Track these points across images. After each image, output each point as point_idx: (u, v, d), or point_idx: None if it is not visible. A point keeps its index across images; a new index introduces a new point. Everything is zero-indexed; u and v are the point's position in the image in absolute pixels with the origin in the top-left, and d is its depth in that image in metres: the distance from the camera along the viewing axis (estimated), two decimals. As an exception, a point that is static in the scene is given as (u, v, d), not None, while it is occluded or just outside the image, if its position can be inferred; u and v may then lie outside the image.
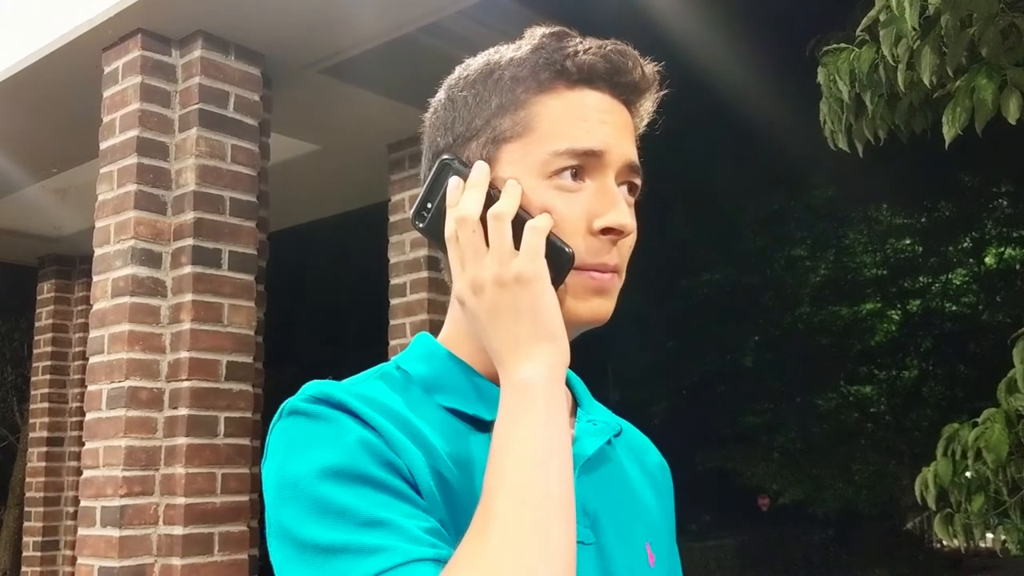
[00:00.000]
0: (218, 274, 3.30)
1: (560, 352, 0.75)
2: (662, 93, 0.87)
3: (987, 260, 14.21)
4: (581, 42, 0.83)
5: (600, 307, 0.82)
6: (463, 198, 0.79)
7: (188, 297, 3.21)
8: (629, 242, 0.83)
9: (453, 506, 0.74)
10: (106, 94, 3.44)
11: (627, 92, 0.83)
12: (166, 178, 3.34)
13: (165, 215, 3.31)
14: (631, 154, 0.83)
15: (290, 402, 0.78)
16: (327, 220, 6.19)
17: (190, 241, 3.24)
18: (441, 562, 0.66)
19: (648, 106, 0.86)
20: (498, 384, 0.78)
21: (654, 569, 0.87)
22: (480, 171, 0.80)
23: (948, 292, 14.75)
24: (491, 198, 0.78)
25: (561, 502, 0.69)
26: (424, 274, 4.28)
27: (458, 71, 0.87)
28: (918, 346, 15.15)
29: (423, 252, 4.30)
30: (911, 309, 14.96)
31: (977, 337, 13.75)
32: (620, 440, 0.93)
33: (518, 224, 0.77)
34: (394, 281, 4.40)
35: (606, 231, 0.80)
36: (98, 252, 3.33)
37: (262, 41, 3.49)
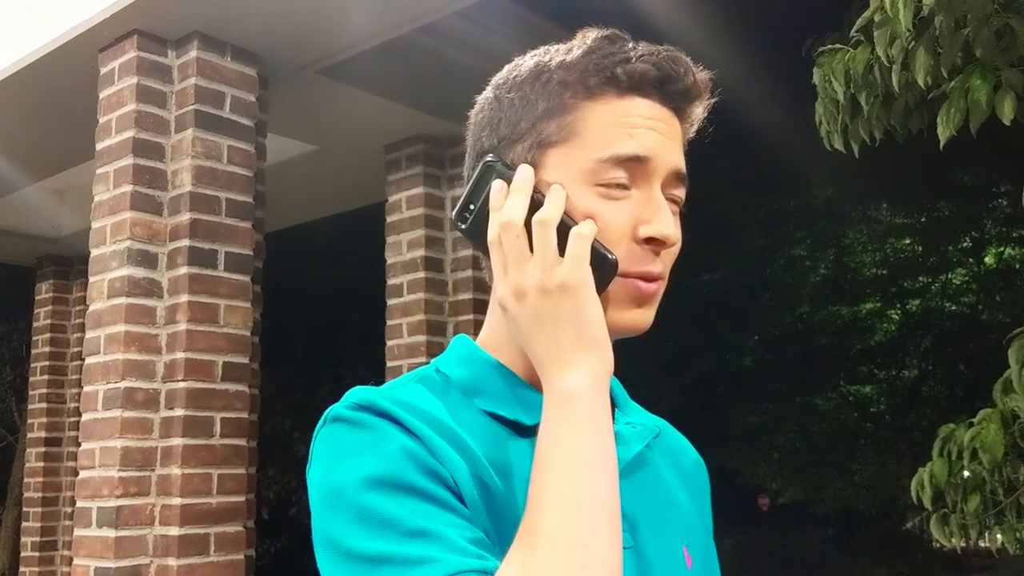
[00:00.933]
0: (214, 275, 3.30)
1: (604, 361, 0.75)
2: (713, 100, 0.86)
3: (987, 260, 14.18)
4: (634, 47, 0.81)
5: (640, 317, 0.82)
6: (507, 202, 0.78)
7: (184, 298, 3.22)
8: (674, 251, 0.83)
9: (496, 514, 0.74)
10: (102, 95, 3.44)
11: (677, 100, 0.82)
12: (162, 179, 3.34)
13: (161, 216, 3.31)
14: (678, 163, 0.82)
15: (334, 409, 0.78)
16: (324, 220, 6.20)
17: (186, 242, 3.25)
18: (487, 573, 0.66)
19: (699, 113, 0.85)
20: (539, 389, 0.77)
21: (691, 571, 0.87)
22: (525, 175, 0.79)
23: (948, 292, 14.73)
24: (535, 203, 0.78)
25: (607, 516, 0.69)
26: (421, 274, 4.29)
27: (507, 70, 0.86)
28: (918, 346, 15.14)
29: (420, 253, 4.31)
30: (911, 309, 14.94)
31: (977, 337, 13.72)
32: (657, 441, 0.93)
33: (562, 230, 0.76)
34: (391, 281, 4.41)
35: (650, 240, 0.79)
36: (94, 253, 3.34)
37: (258, 42, 3.49)
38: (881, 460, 14.63)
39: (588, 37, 0.83)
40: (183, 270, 3.23)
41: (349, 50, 3.61)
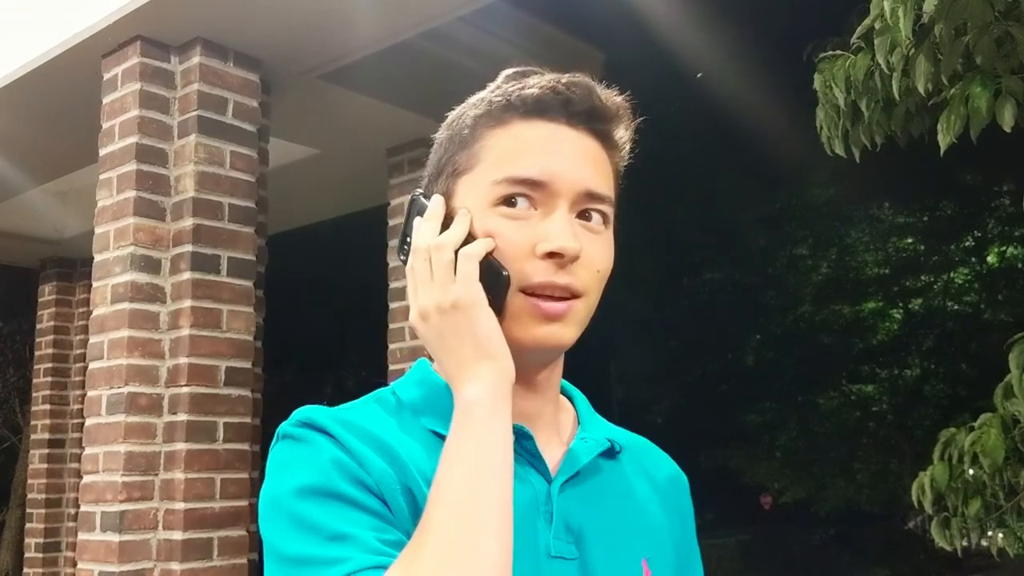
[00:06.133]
0: (217, 280, 3.31)
1: (503, 370, 0.79)
2: (637, 121, 0.89)
3: (989, 259, 14.17)
4: (541, 76, 0.86)
5: (553, 333, 0.83)
6: (419, 230, 0.85)
7: (187, 303, 3.23)
8: (593, 265, 0.84)
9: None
10: (105, 100, 3.45)
11: (587, 121, 0.85)
12: (165, 184, 3.35)
13: (164, 221, 3.32)
14: (587, 182, 0.84)
15: (282, 427, 0.84)
16: (326, 223, 6.21)
17: (189, 247, 3.26)
18: (384, 568, 0.71)
19: (621, 133, 0.88)
20: None
21: None
22: (434, 203, 0.86)
23: (950, 291, 14.71)
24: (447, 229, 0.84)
25: (495, 513, 0.72)
26: (423, 278, 4.29)
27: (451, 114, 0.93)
28: (920, 345, 15.12)
29: (422, 256, 4.31)
30: (913, 308, 14.93)
31: (979, 336, 13.71)
32: (626, 455, 0.95)
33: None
34: (393, 285, 4.41)
35: (550, 255, 0.82)
36: (98, 258, 3.35)
37: (261, 47, 3.49)
38: (883, 459, 14.64)
39: (502, 76, 0.89)
40: (186, 275, 3.24)
41: (352, 55, 3.62)
